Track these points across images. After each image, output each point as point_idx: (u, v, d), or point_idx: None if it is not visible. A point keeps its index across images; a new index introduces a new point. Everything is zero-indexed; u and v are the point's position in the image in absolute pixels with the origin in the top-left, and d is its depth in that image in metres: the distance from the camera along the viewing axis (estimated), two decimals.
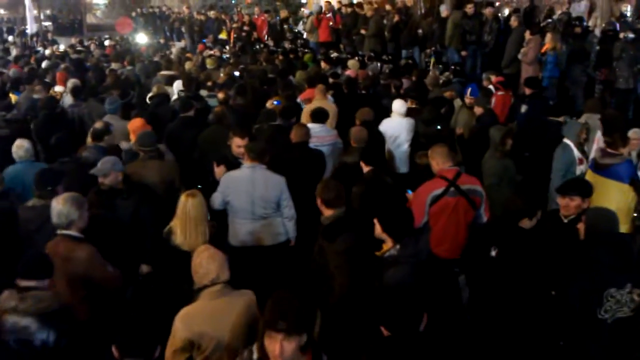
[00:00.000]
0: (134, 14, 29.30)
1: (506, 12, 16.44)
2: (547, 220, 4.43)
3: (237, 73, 11.71)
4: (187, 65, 13.48)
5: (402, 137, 8.75)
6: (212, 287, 3.85)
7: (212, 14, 22.15)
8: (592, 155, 7.23)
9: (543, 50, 11.48)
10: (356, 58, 13.93)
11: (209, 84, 10.57)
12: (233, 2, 30.83)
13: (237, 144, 6.29)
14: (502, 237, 4.16)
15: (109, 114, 8.53)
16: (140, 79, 12.43)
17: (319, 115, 8.24)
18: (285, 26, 19.92)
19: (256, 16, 20.94)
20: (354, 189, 5.84)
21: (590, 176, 6.87)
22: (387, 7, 15.70)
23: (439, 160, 5.42)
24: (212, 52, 15.46)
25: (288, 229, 5.79)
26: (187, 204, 4.71)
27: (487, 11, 13.50)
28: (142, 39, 24.07)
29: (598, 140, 7.33)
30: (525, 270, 4.06)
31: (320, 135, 8.09)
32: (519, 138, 9.64)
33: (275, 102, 8.59)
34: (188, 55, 15.17)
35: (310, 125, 8.15)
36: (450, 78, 11.92)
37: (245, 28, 20.13)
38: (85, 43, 22.64)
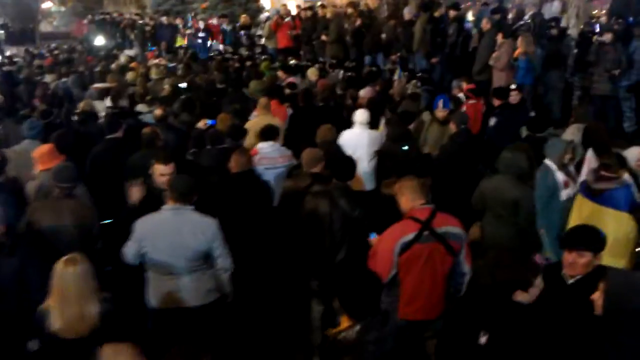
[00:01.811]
0: (85, 20, 27.83)
1: (469, 15, 15.58)
2: (545, 282, 3.34)
3: (183, 85, 10.47)
4: (130, 75, 12.22)
5: (362, 150, 7.76)
6: None
7: (164, 19, 20.82)
8: (582, 177, 6.28)
9: (515, 54, 10.56)
10: (316, 65, 12.89)
11: (149, 97, 9.32)
12: (193, 5, 29.55)
13: (160, 171, 5.14)
14: (493, 317, 3.09)
15: (28, 140, 7.17)
16: (72, 93, 11.12)
17: (269, 133, 7.19)
18: (242, 31, 18.73)
19: (211, 21, 19.73)
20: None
21: (580, 202, 5.92)
22: (349, 10, 14.66)
23: (408, 197, 4.36)
24: (157, 60, 14.19)
25: (222, 284, 4.64)
26: (66, 275, 3.55)
27: (451, 14, 12.56)
28: (100, 41, 22.67)
29: (589, 160, 6.36)
30: None
31: (272, 156, 7.07)
32: (488, 155, 8.73)
33: (208, 122, 7.42)
34: (133, 64, 13.90)
35: (259, 145, 7.13)
36: (418, 87, 10.96)
37: (200, 34, 18.91)
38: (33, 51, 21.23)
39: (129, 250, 4.49)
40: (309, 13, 15.83)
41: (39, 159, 5.75)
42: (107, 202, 6.23)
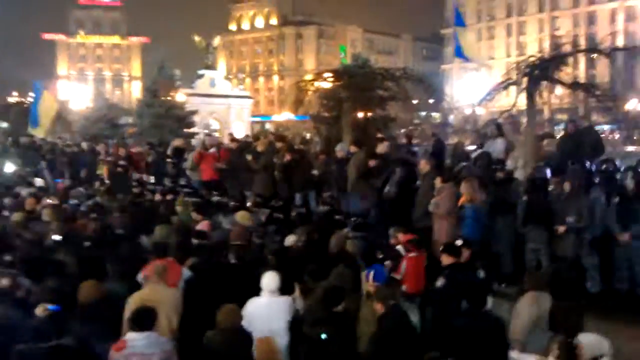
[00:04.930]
0: (8, 143, 26.02)
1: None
2: None
3: (57, 237, 8.65)
4: (17, 216, 10.37)
5: (276, 323, 6.46)
6: None
7: (84, 144, 19.26)
8: None
9: (460, 202, 9.29)
10: (232, 203, 11.36)
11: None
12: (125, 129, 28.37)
13: None
14: None
15: None
16: None
17: (143, 318, 5.51)
18: (169, 160, 17.26)
19: (135, 149, 18.31)
20: None
21: None
22: (278, 144, 13.44)
23: None
24: (50, 199, 12.34)
25: None
26: None
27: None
28: (9, 168, 20.89)
29: None
30: None
31: (146, 353, 5.33)
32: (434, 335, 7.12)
33: (50, 307, 5.62)
34: (29, 202, 12.03)
35: (129, 335, 5.40)
36: (350, 236, 9.46)
37: (121, 162, 17.34)
38: None
39: None
40: (235, 145, 14.57)
41: None
42: None
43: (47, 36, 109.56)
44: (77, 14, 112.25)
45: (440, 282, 7.61)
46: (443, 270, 7.65)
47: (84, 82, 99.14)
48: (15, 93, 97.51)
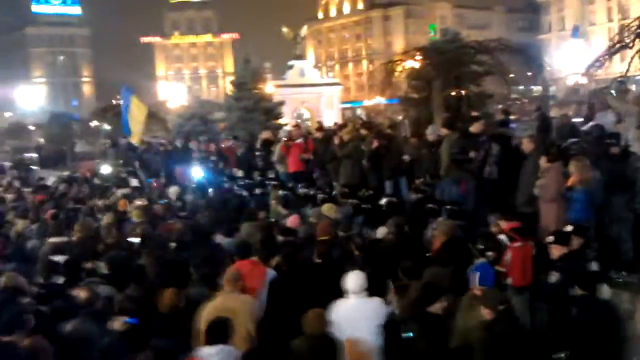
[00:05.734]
0: (107, 144, 26.98)
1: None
2: None
3: (135, 239, 8.43)
4: (107, 218, 10.38)
5: (365, 327, 5.82)
6: None
7: (178, 143, 19.47)
8: None
9: (569, 183, 8.28)
10: (319, 195, 10.81)
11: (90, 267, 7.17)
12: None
13: None
14: None
15: None
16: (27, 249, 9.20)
17: (217, 331, 5.10)
18: (258, 153, 17.04)
19: (226, 144, 18.26)
20: None
21: None
22: (363, 131, 12.77)
23: None
24: (140, 201, 12.28)
25: None
26: None
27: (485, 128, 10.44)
28: (106, 170, 21.58)
29: None
30: None
31: None
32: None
33: (127, 320, 5.25)
34: (120, 203, 12.07)
35: (204, 351, 5.01)
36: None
37: (212, 158, 17.38)
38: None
39: None
40: (321, 134, 14.04)
41: None
42: None
43: (145, 39, 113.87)
44: (171, 16, 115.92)
45: (554, 277, 6.75)
46: (554, 263, 6.80)
47: (181, 82, 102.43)
48: (119, 96, 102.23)
